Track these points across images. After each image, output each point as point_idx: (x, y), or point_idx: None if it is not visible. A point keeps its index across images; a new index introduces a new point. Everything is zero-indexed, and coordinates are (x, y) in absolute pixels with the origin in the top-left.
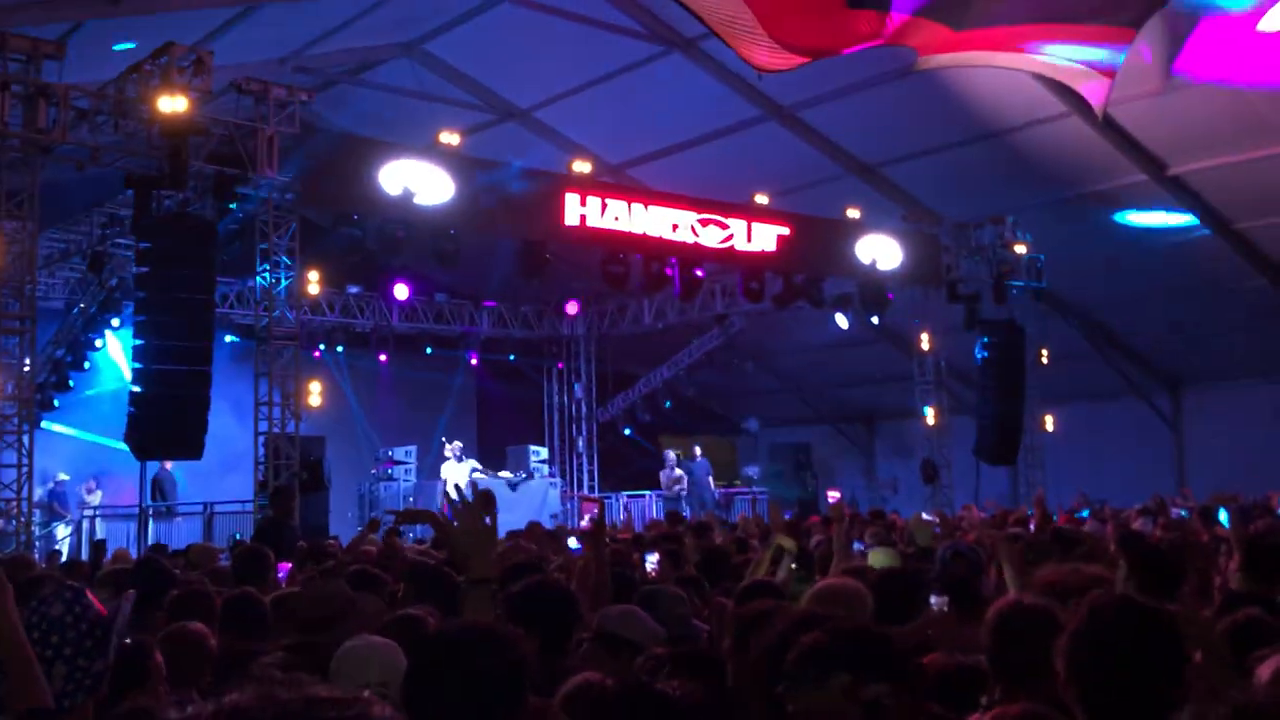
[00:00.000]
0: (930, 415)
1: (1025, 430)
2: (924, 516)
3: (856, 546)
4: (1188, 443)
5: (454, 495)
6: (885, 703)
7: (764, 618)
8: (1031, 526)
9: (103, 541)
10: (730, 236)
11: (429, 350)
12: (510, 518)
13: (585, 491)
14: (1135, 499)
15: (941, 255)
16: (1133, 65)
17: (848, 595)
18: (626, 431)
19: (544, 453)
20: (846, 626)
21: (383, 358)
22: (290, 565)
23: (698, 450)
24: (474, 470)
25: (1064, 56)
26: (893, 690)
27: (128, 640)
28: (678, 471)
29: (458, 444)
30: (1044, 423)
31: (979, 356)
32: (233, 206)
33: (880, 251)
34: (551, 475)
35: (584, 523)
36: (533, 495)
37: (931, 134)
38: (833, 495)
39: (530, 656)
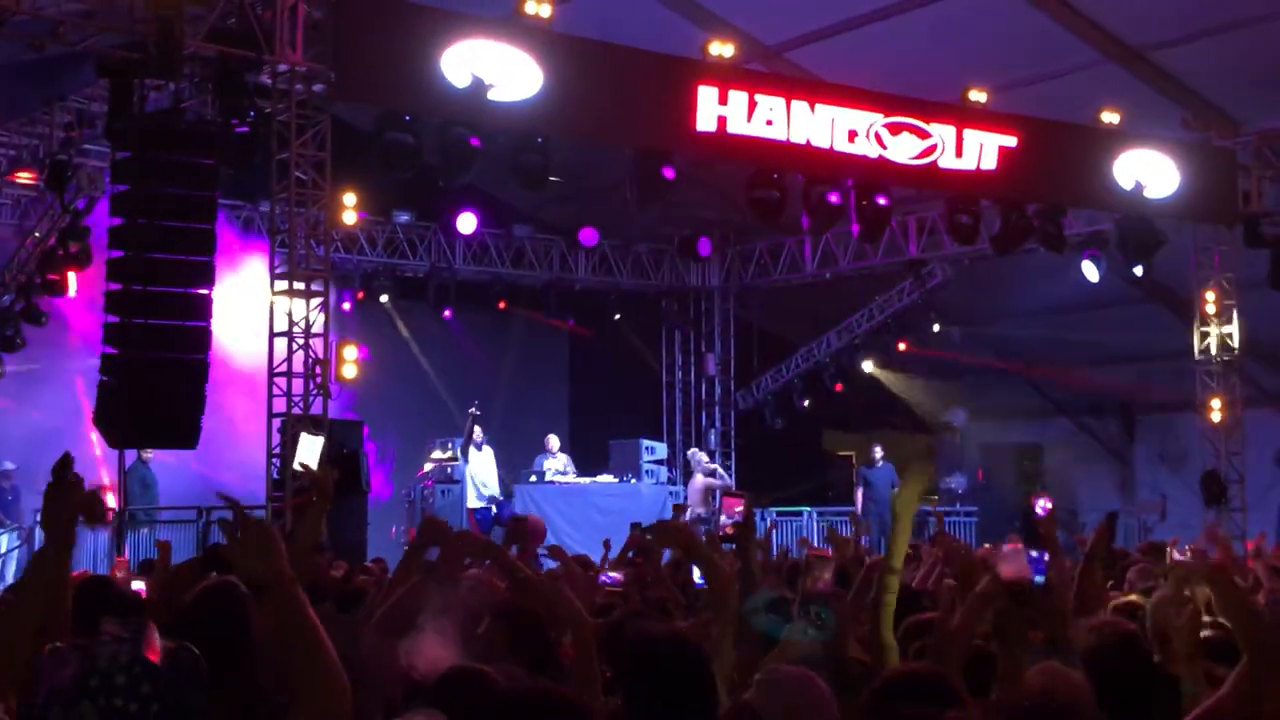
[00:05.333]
0: (1216, 408)
1: None
2: (1175, 555)
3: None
4: None
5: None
6: None
7: None
8: None
9: None
10: (932, 149)
11: (500, 305)
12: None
13: (724, 483)
14: None
15: (1239, 178)
16: None
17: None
18: (778, 424)
19: (661, 450)
20: None
21: (446, 314)
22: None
23: (878, 452)
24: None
25: None
26: None
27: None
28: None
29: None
30: None
31: None
32: (242, 102)
33: (1148, 172)
34: (672, 480)
35: (725, 524)
36: (643, 505)
37: (1224, 2)
38: (1042, 505)
39: None
